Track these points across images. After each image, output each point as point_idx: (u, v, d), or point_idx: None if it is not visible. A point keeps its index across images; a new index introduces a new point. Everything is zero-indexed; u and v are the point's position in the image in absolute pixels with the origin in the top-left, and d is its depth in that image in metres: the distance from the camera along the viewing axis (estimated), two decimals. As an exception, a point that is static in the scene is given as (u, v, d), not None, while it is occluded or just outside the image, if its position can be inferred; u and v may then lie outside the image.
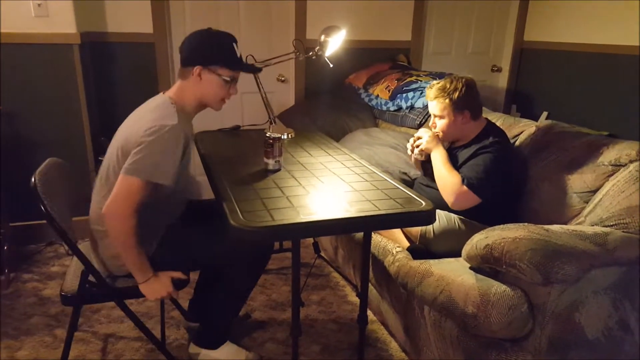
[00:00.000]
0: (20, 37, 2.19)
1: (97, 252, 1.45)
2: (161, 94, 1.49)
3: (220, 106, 1.52)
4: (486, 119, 1.80)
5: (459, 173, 1.65)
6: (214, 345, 1.61)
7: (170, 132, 1.31)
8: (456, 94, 1.68)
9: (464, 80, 1.71)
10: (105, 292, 1.40)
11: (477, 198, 1.59)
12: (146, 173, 1.29)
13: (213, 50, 1.45)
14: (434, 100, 1.73)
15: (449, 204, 1.64)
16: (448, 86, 1.70)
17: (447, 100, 1.69)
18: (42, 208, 1.26)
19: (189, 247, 1.48)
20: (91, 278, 1.36)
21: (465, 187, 1.59)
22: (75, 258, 1.41)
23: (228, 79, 1.47)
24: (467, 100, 1.69)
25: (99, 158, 2.27)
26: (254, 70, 1.61)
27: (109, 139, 1.47)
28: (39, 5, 2.18)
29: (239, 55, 1.50)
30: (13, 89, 2.26)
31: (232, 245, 1.45)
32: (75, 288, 1.36)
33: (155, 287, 1.38)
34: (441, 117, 1.74)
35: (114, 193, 1.30)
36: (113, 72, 2.59)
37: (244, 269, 1.53)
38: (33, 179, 1.29)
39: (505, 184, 1.66)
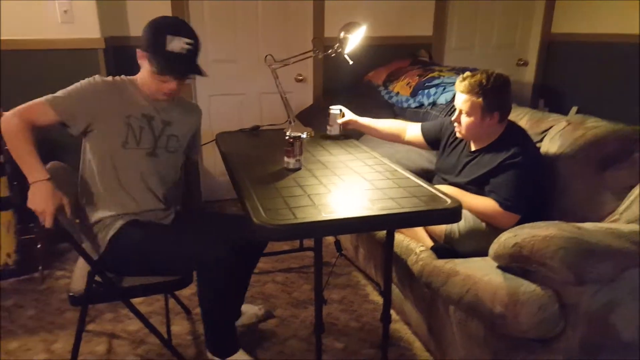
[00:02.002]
0: (46, 44, 2.25)
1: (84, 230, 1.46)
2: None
3: (161, 97, 1.43)
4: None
5: (488, 191, 1.59)
6: (224, 354, 1.53)
7: (93, 78, 1.42)
8: (491, 94, 1.53)
9: (502, 78, 1.55)
10: (112, 292, 1.40)
11: (517, 216, 1.54)
12: (49, 97, 1.38)
13: (149, 36, 1.37)
14: (465, 95, 1.58)
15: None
16: (484, 82, 1.54)
17: (480, 99, 1.55)
18: None
19: (145, 250, 1.41)
20: (98, 278, 1.36)
21: (502, 210, 1.55)
22: (81, 259, 1.42)
23: (155, 71, 1.37)
24: (500, 102, 1.57)
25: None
26: (180, 73, 1.39)
27: None
28: (65, 11, 2.23)
29: (179, 51, 1.34)
30: (40, 94, 2.32)
31: (192, 249, 1.39)
32: (83, 288, 1.36)
33: (39, 196, 1.25)
34: (468, 114, 1.61)
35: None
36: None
37: (218, 271, 1.41)
38: None
39: (536, 190, 1.60)
